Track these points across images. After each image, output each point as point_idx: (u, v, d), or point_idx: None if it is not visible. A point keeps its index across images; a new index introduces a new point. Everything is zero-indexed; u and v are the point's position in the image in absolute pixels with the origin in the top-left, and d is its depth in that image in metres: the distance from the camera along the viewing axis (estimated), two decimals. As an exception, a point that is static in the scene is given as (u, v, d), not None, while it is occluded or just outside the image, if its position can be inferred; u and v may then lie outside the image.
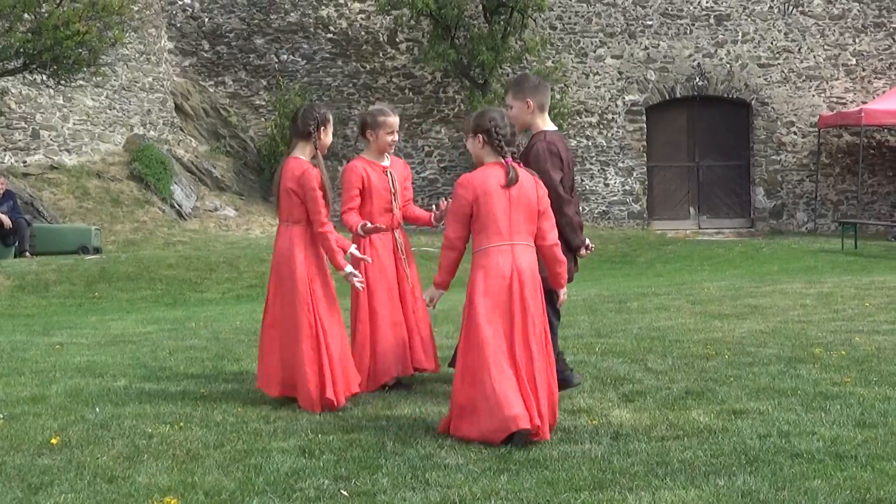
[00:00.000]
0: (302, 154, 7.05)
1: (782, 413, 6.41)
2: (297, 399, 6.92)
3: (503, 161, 6.00)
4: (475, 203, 5.94)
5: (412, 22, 25.37)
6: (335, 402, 6.80)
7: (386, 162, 7.79)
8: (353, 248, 7.33)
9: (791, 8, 26.73)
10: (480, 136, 6.07)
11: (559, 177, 6.74)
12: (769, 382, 7.41)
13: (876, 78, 26.80)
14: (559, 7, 26.50)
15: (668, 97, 26.71)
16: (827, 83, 26.79)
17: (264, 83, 26.53)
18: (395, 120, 7.74)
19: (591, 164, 26.42)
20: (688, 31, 26.67)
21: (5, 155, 21.31)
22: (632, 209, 26.72)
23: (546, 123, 6.94)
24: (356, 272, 7.01)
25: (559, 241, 6.22)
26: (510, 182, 5.93)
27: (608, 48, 26.67)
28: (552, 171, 6.70)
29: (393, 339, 7.49)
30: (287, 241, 7.01)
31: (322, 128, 7.06)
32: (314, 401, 6.80)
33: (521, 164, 6.11)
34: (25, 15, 18.20)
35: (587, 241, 6.98)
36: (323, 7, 26.57)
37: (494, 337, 5.86)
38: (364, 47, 26.59)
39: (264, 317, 7.14)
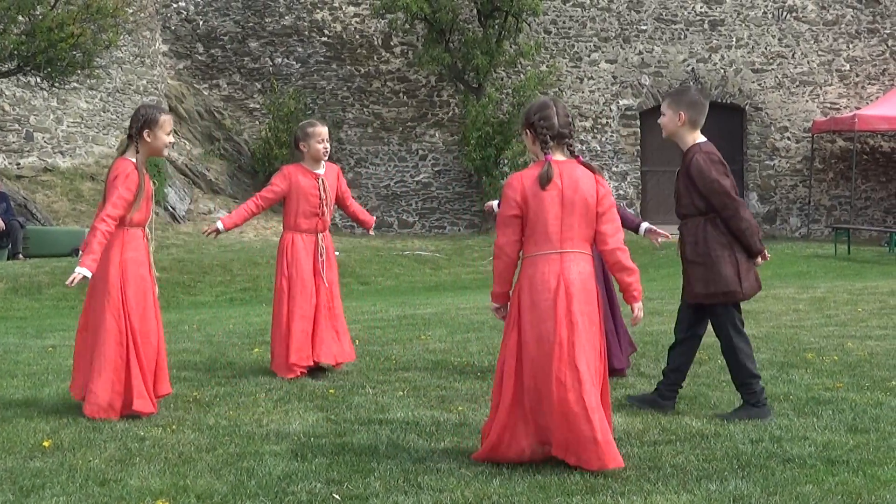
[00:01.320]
0: (132, 156, 6.83)
1: (774, 418, 6.42)
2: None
3: (546, 158, 5.39)
4: (524, 205, 5.35)
5: (407, 26, 25.37)
6: (144, 412, 6.67)
7: (320, 170, 8.49)
8: (218, 225, 8.15)
9: (785, 13, 26.79)
10: (528, 131, 5.50)
11: (728, 182, 6.50)
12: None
13: (869, 83, 26.86)
14: (553, 11, 26.53)
15: (662, 102, 26.72)
16: (821, 88, 26.84)
17: (258, 86, 26.52)
18: (322, 129, 8.44)
19: (585, 168, 26.44)
20: (682, 36, 26.71)
21: (-1, 157, 21.28)
22: (625, 214, 26.71)
23: (696, 138, 6.67)
24: (78, 277, 6.41)
25: (624, 247, 5.55)
26: (541, 181, 5.32)
27: (602, 52, 26.71)
28: (720, 178, 6.46)
29: (301, 331, 8.20)
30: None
31: (147, 129, 6.79)
32: (105, 408, 6.60)
33: (580, 159, 5.49)
34: (19, 17, 18.19)
35: (764, 249, 6.67)
36: (317, 10, 26.57)
37: (519, 365, 5.37)
38: (358, 51, 26.60)
39: (81, 319, 6.98)
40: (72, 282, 6.43)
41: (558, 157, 5.46)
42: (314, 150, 8.35)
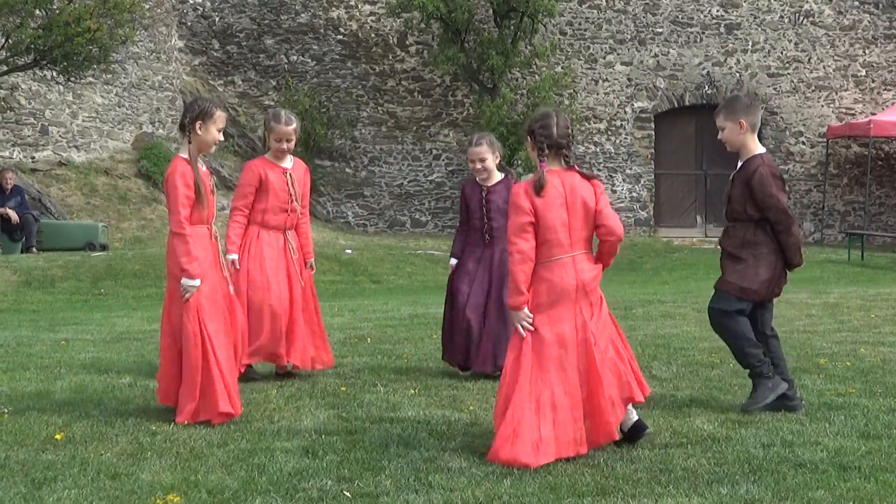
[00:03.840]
0: (184, 152, 6.62)
1: (786, 423, 6.41)
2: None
3: (540, 166, 5.66)
4: (535, 211, 5.59)
5: (422, 25, 25.38)
6: (232, 413, 6.44)
7: (288, 164, 7.98)
8: (232, 257, 7.75)
9: (801, 18, 26.72)
10: (528, 137, 5.76)
11: (785, 198, 6.73)
12: (774, 392, 7.39)
13: (885, 89, 26.78)
14: (569, 13, 26.51)
15: (676, 105, 26.70)
16: (836, 94, 26.77)
17: (273, 83, 26.56)
18: (286, 128, 7.90)
19: (599, 170, 26.42)
20: (698, 40, 26.67)
21: (14, 150, 21.35)
22: (638, 216, 26.72)
23: (757, 145, 6.82)
24: (191, 290, 6.45)
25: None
26: (535, 187, 5.58)
27: (618, 55, 26.68)
28: (779, 195, 6.66)
29: (269, 329, 7.82)
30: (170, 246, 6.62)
31: (199, 122, 6.53)
32: (194, 413, 6.41)
33: (576, 169, 5.75)
34: (37, 11, 18.24)
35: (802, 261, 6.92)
36: (333, 9, 26.60)
37: (547, 358, 5.59)
38: (374, 49, 26.61)
39: (163, 324, 6.80)
40: (189, 299, 6.42)
41: (554, 166, 5.69)
42: (273, 147, 7.97)
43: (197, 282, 6.43)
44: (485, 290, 8.23)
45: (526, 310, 5.65)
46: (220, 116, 6.61)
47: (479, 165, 8.20)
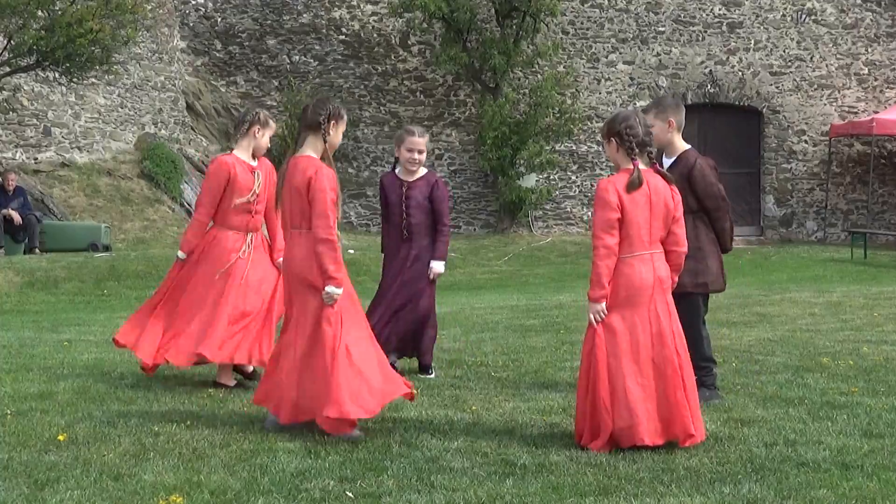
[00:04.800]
0: (313, 151, 6.35)
1: (789, 422, 6.41)
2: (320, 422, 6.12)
3: (634, 164, 5.84)
4: (622, 209, 5.77)
5: (424, 25, 25.38)
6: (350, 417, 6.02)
7: (255, 162, 7.68)
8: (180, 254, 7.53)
9: (804, 16, 26.70)
10: (613, 139, 5.94)
11: (721, 187, 7.10)
12: (776, 391, 7.41)
13: (888, 88, 26.74)
14: (571, 12, 26.50)
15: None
16: (839, 92, 26.74)
17: (276, 84, 26.57)
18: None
19: (602, 169, 26.41)
20: (700, 38, 26.65)
21: (17, 151, 21.37)
22: (641, 215, 26.69)
23: (682, 142, 7.21)
24: (336, 297, 6.13)
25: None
26: (630, 186, 5.76)
27: (620, 54, 26.66)
28: (717, 184, 7.06)
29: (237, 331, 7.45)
30: (304, 250, 6.25)
31: (334, 121, 6.35)
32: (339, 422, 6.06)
33: (656, 167, 5.99)
34: (39, 12, 18.25)
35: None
36: (335, 9, 26.60)
37: (620, 349, 5.76)
38: (376, 49, 26.62)
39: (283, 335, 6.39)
40: (333, 304, 6.10)
41: (640, 164, 5.89)
42: (261, 144, 7.61)
43: (341, 290, 6.13)
44: (403, 286, 8.13)
45: (603, 304, 5.78)
46: (345, 119, 6.52)
47: (416, 156, 8.06)
